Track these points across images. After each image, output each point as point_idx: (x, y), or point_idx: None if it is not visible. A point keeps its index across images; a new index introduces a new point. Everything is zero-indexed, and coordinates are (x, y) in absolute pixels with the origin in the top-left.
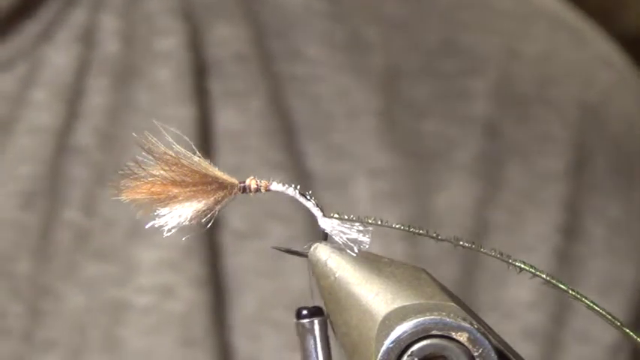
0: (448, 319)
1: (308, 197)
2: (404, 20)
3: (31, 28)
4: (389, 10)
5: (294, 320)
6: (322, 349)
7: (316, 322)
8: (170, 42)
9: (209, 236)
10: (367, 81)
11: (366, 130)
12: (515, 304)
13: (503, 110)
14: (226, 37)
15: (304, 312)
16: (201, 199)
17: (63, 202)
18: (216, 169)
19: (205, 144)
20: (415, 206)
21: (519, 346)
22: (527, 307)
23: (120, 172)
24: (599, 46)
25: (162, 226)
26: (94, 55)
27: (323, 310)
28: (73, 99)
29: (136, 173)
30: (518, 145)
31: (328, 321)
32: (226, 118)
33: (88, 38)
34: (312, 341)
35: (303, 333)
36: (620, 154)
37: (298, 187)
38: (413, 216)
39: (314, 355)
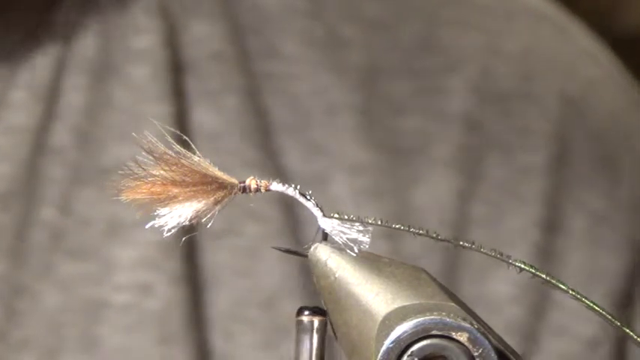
0: (448, 319)
1: (308, 197)
2: (383, 18)
3: (13, 31)
4: (368, 7)
5: (295, 318)
6: (317, 349)
7: (316, 321)
8: (147, 40)
9: (185, 234)
10: (346, 78)
11: (345, 128)
12: (498, 299)
13: (483, 105)
14: (203, 36)
15: (305, 311)
16: (201, 199)
17: (39, 201)
18: (216, 168)
19: (182, 144)
20: (396, 202)
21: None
22: (508, 301)
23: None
24: (582, 41)
25: (162, 226)
26: (70, 54)
27: (324, 311)
28: (50, 98)
29: (136, 173)
30: (498, 140)
31: (328, 321)
32: (202, 117)
33: (65, 38)
34: (309, 340)
35: (302, 331)
36: (602, 148)
37: (298, 187)
38: (394, 212)
39: (308, 355)
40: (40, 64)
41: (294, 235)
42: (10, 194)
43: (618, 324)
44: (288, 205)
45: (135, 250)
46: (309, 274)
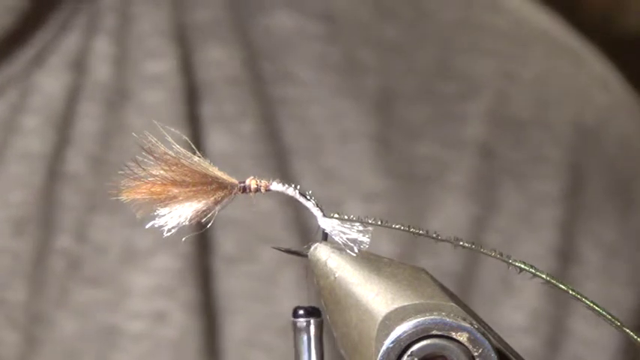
0: (448, 319)
1: (308, 197)
2: (399, 43)
3: (23, 54)
4: (385, 32)
5: (291, 318)
6: (315, 349)
7: (312, 322)
8: (161, 65)
9: (200, 261)
10: (361, 104)
11: (360, 153)
12: (510, 327)
13: (498, 132)
14: (218, 60)
15: (301, 311)
16: (201, 199)
17: (55, 228)
18: (216, 168)
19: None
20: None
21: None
22: (522, 332)
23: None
24: (596, 69)
25: (162, 226)
26: (85, 81)
27: (320, 311)
28: (64, 125)
29: (136, 173)
30: (513, 167)
31: (328, 321)
32: (217, 142)
33: (79, 64)
34: (305, 341)
35: (298, 332)
36: (616, 177)
37: (298, 186)
38: (408, 238)
39: (306, 355)
40: (53, 89)
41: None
42: (25, 221)
43: (618, 324)
44: (303, 229)
45: (150, 278)
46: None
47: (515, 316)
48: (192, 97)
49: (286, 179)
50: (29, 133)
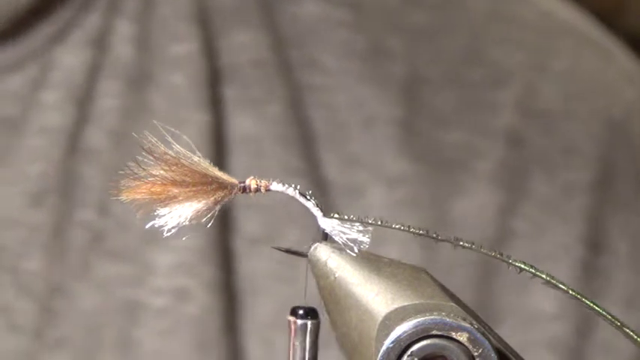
0: (448, 319)
1: (308, 197)
2: (428, 30)
3: (44, 30)
4: (412, 19)
5: (288, 317)
6: (310, 351)
7: (309, 323)
8: (185, 48)
9: (223, 240)
10: (387, 90)
11: (384, 139)
12: (538, 314)
13: (527, 122)
14: (243, 44)
15: (300, 311)
16: (201, 199)
17: (75, 202)
18: (216, 168)
19: (220, 149)
20: (435, 213)
21: (542, 356)
22: (551, 318)
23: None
24: (624, 64)
25: (162, 226)
26: (106, 59)
27: (317, 312)
28: (84, 101)
29: (136, 173)
30: (542, 157)
31: (327, 321)
32: (242, 124)
33: (100, 42)
34: (302, 341)
35: (295, 332)
36: None
37: (298, 186)
38: (433, 222)
39: (301, 356)
40: (73, 65)
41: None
42: (45, 193)
43: (619, 324)
44: (328, 211)
45: (173, 255)
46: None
47: (545, 302)
48: (215, 80)
49: (311, 162)
50: (49, 108)
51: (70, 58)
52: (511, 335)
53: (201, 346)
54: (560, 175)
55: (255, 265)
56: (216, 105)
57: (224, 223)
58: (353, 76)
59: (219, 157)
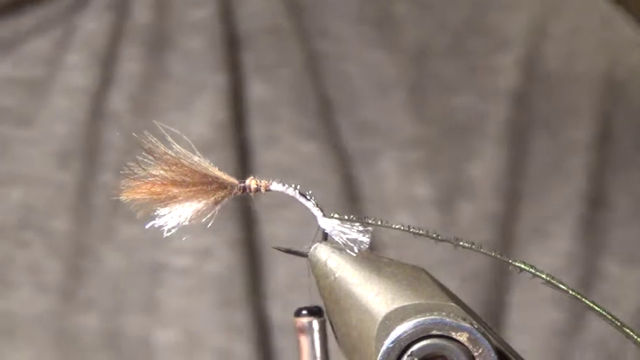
0: (448, 319)
1: (308, 197)
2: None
3: None
4: None
5: (293, 318)
6: (320, 348)
7: (315, 321)
8: (203, 12)
9: (242, 201)
10: (397, 56)
11: (396, 104)
12: (543, 269)
13: (530, 84)
14: (258, 10)
15: (304, 311)
16: (201, 199)
17: (99, 164)
18: (216, 168)
19: (238, 113)
20: (450, 175)
21: (546, 313)
22: (554, 274)
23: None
24: (628, 29)
25: (162, 226)
26: (126, 24)
27: (322, 310)
28: (107, 64)
29: (136, 173)
30: (543, 117)
31: (327, 321)
32: (258, 88)
33: (121, 7)
34: (310, 340)
35: (301, 332)
36: None
37: (298, 186)
38: (448, 184)
39: (311, 355)
40: (96, 29)
41: (353, 204)
42: (70, 154)
43: (618, 324)
44: (347, 175)
45: None
46: (371, 244)
47: (548, 259)
48: (232, 44)
49: (326, 129)
50: (73, 69)
51: (92, 23)
52: (521, 293)
53: (226, 304)
54: (561, 134)
55: (277, 228)
56: (233, 69)
57: None
58: (364, 43)
59: (237, 121)
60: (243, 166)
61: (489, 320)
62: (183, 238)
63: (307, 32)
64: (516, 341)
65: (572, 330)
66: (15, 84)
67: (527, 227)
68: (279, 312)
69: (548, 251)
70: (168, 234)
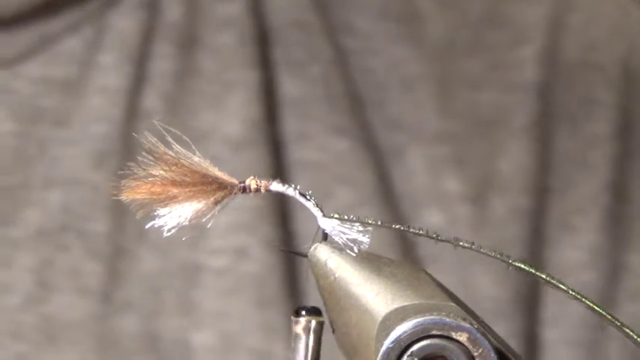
0: (448, 319)
1: (308, 197)
2: None
3: None
4: None
5: (292, 317)
6: (313, 349)
7: (313, 322)
8: (233, 8)
9: (278, 200)
10: (422, 52)
11: (423, 100)
12: (569, 265)
13: (551, 76)
14: (285, 5)
15: (303, 311)
16: (201, 199)
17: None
18: (216, 169)
19: (270, 109)
20: (478, 171)
21: (572, 304)
22: (581, 268)
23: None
24: None
25: (162, 227)
26: (157, 21)
27: (321, 311)
28: (140, 62)
29: (136, 173)
30: (565, 110)
31: (328, 321)
32: (289, 85)
33: (151, 5)
34: (305, 340)
35: (299, 331)
36: None
37: (298, 187)
38: (478, 179)
39: (304, 354)
40: (127, 27)
41: (387, 200)
42: (107, 154)
43: (618, 324)
44: (380, 171)
45: (229, 215)
46: (404, 240)
47: (575, 253)
48: (262, 40)
49: (357, 126)
50: (107, 69)
51: (124, 21)
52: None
53: (263, 305)
54: (583, 126)
55: (311, 224)
56: (264, 65)
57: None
58: (388, 39)
59: (270, 118)
60: (276, 164)
61: (523, 313)
62: (218, 239)
63: (333, 28)
64: (547, 334)
65: (599, 321)
66: (50, 84)
67: (555, 222)
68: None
69: (575, 245)
70: (169, 234)
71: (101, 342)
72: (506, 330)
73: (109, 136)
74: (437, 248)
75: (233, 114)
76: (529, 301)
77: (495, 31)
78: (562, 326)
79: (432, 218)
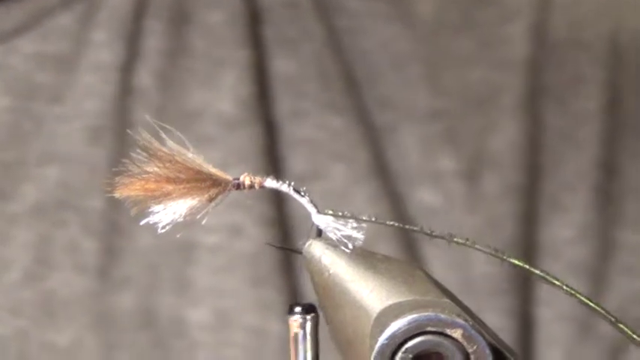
0: (443, 316)
1: (302, 194)
2: None
3: None
4: None
5: (287, 315)
6: (311, 345)
7: (308, 318)
8: None
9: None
10: (412, 31)
11: (414, 78)
12: (559, 242)
13: (540, 53)
14: None
15: (297, 308)
16: (195, 195)
17: (129, 141)
18: (210, 165)
19: (262, 88)
20: (471, 148)
21: (566, 281)
22: (571, 244)
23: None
24: None
25: (156, 223)
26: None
27: (316, 307)
28: (132, 39)
29: (130, 170)
30: (555, 87)
31: (322, 317)
32: (281, 64)
33: None
34: (302, 337)
35: (295, 328)
36: None
37: (292, 183)
38: (470, 156)
39: (302, 351)
40: (119, 4)
41: (381, 177)
42: (101, 130)
43: (613, 320)
44: (375, 147)
45: None
46: (399, 217)
47: (566, 230)
48: (253, 18)
49: (352, 105)
50: (100, 45)
51: None
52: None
53: (257, 281)
54: (572, 102)
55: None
56: (255, 44)
57: (273, 161)
58: (378, 18)
59: (263, 96)
60: (271, 142)
61: (517, 291)
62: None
63: (324, 7)
64: (541, 311)
65: (594, 298)
66: (44, 60)
67: (547, 199)
68: (310, 290)
69: (566, 222)
70: (163, 231)
71: (99, 318)
72: (501, 308)
73: (103, 112)
74: (431, 228)
75: (225, 92)
76: (523, 278)
77: (484, 8)
78: (556, 304)
79: (425, 195)
